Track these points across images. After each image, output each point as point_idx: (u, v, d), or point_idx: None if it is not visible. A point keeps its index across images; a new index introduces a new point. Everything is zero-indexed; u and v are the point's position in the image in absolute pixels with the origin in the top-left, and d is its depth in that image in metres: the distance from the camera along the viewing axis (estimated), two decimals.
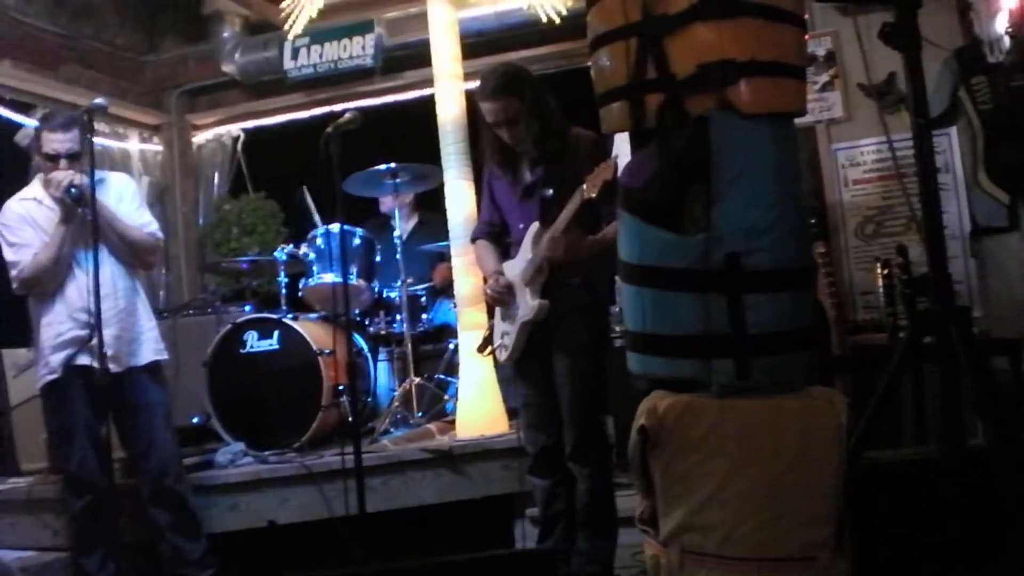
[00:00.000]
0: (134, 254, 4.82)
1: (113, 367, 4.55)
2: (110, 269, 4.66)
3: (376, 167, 6.08)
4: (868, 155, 5.82)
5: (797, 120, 3.12)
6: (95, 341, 4.35)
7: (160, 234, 4.99)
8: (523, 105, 4.08)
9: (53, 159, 4.54)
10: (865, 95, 5.73)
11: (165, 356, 4.97)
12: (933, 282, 3.13)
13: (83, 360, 4.56)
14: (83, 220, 4.55)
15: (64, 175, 4.50)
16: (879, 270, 4.93)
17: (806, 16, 3.13)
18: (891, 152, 5.70)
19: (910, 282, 4.62)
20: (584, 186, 3.80)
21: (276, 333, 5.77)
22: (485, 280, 4.44)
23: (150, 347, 4.85)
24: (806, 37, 3.18)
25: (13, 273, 4.57)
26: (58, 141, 4.54)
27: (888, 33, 3.21)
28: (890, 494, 3.18)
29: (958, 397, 3.13)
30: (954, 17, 5.52)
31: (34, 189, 4.76)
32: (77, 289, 4.60)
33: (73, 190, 4.47)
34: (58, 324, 4.59)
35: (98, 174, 4.52)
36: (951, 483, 3.11)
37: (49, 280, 4.59)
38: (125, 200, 4.85)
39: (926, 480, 3.20)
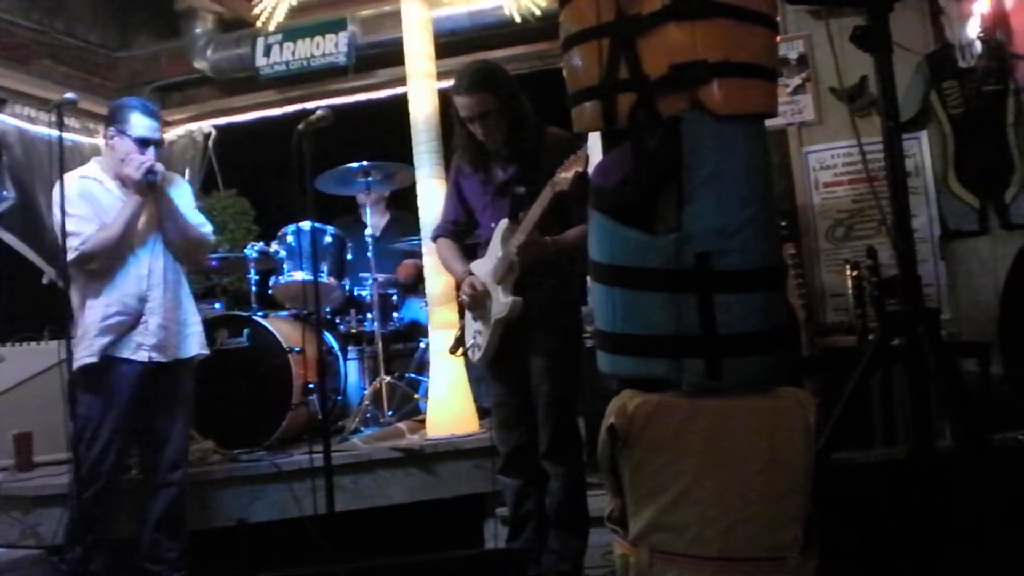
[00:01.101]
0: (188, 250, 4.86)
1: (157, 356, 4.65)
2: (161, 260, 4.73)
3: (348, 165, 6.07)
4: (839, 158, 5.85)
5: (769, 122, 3.13)
6: (134, 332, 4.55)
7: (212, 236, 5.09)
8: (498, 102, 4.08)
9: (143, 143, 4.61)
10: (837, 99, 5.75)
11: (207, 351, 4.99)
12: (902, 284, 3.15)
13: (123, 353, 4.58)
14: (151, 209, 4.68)
15: (146, 158, 4.58)
16: (849, 272, 4.95)
17: (778, 18, 3.14)
18: (862, 155, 5.72)
19: (880, 284, 4.65)
20: (555, 179, 3.80)
21: (246, 331, 5.76)
22: (458, 284, 4.43)
23: (195, 340, 4.87)
24: (778, 39, 3.19)
25: (74, 243, 4.51)
26: (149, 128, 4.66)
27: (860, 36, 3.24)
28: (859, 494, 3.20)
29: (927, 399, 3.16)
30: (926, 21, 5.56)
31: (92, 169, 4.77)
32: (128, 275, 4.62)
33: (151, 175, 4.55)
34: (104, 307, 4.56)
35: (159, 173, 4.63)
36: (919, 484, 3.13)
37: (107, 257, 4.57)
38: (184, 199, 4.91)
39: (894, 481, 3.22)
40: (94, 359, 4.54)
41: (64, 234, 4.47)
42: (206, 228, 4.97)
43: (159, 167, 4.62)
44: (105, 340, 4.54)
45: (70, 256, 4.52)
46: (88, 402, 4.54)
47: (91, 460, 4.57)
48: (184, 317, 4.83)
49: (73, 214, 4.53)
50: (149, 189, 4.59)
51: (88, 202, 4.58)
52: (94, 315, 4.58)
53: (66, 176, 4.57)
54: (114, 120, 4.68)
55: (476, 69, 4.17)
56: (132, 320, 4.61)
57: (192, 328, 4.86)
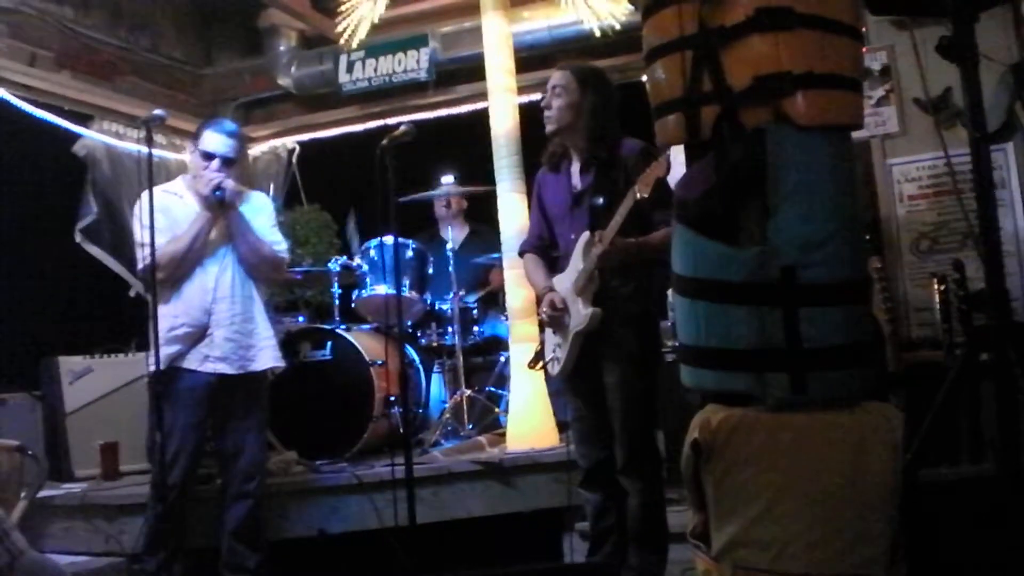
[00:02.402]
0: (259, 267, 4.92)
1: (226, 368, 4.73)
2: (232, 275, 4.81)
3: (432, 192, 6.16)
4: (923, 170, 5.76)
5: (852, 134, 3.10)
6: (201, 344, 4.64)
7: (286, 255, 5.12)
8: (581, 96, 4.13)
9: (209, 157, 4.70)
10: (920, 110, 5.68)
11: (282, 364, 5.06)
12: (990, 298, 3.09)
13: (189, 364, 4.67)
14: (222, 225, 4.77)
15: (214, 174, 4.68)
16: (935, 285, 4.87)
17: (863, 29, 3.11)
18: (949, 167, 5.64)
19: (966, 298, 4.56)
20: (636, 186, 3.80)
21: (329, 344, 5.82)
22: (538, 297, 4.44)
23: (268, 354, 4.92)
24: (863, 50, 3.16)
25: (143, 253, 4.62)
26: (217, 143, 4.74)
27: (945, 46, 3.19)
28: (946, 512, 3.15)
29: (1015, 415, 3.09)
30: (1010, 32, 5.46)
31: (176, 185, 4.90)
32: (198, 288, 4.72)
33: (218, 192, 4.64)
34: (172, 318, 4.65)
35: (227, 190, 4.70)
36: (1008, 501, 3.07)
37: (175, 269, 4.66)
38: (262, 216, 4.99)
39: (982, 498, 3.16)
40: (161, 367, 4.63)
41: (139, 245, 4.60)
42: (280, 247, 5.02)
43: (229, 184, 4.69)
44: (171, 350, 4.62)
45: (138, 266, 4.66)
46: (156, 410, 4.63)
47: (163, 469, 4.66)
48: (255, 331, 4.88)
49: (150, 226, 4.63)
50: (219, 205, 4.68)
51: (165, 215, 4.66)
52: (162, 325, 4.65)
53: (150, 190, 4.67)
54: (195, 137, 4.79)
55: (585, 62, 4.40)
56: (198, 332, 4.70)
57: (264, 342, 4.91)
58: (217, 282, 4.75)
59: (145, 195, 4.64)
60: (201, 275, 4.74)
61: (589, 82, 4.18)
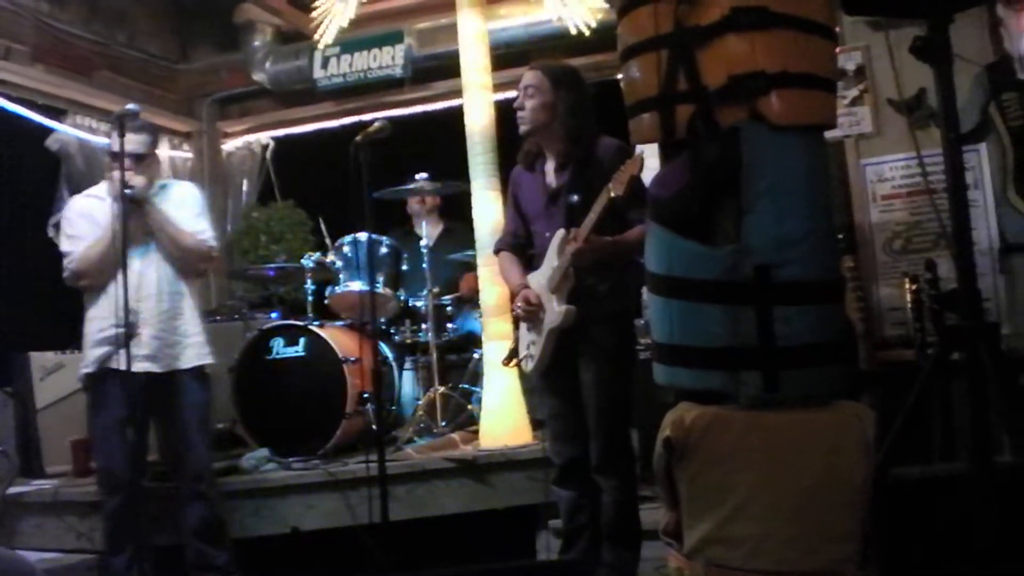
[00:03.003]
0: (184, 259, 4.85)
1: (153, 367, 4.67)
2: (158, 272, 4.76)
3: (406, 186, 6.14)
4: (897, 171, 5.79)
5: (826, 134, 3.12)
6: (131, 342, 4.47)
7: (213, 243, 5.01)
8: (555, 96, 4.14)
9: (117, 157, 4.60)
10: (895, 110, 5.70)
11: (210, 360, 4.99)
12: (962, 298, 3.11)
13: (119, 365, 4.57)
14: (138, 221, 4.66)
15: (118, 172, 4.58)
16: (908, 285, 4.90)
17: (837, 29, 3.13)
18: (922, 168, 5.66)
19: (939, 298, 4.59)
20: (611, 184, 3.80)
21: (302, 340, 5.79)
22: (512, 294, 4.44)
23: (194, 351, 4.87)
24: (836, 50, 3.18)
25: (65, 262, 4.66)
26: (127, 141, 4.61)
27: (920, 47, 3.20)
28: (917, 510, 3.16)
29: (987, 414, 3.11)
30: (984, 33, 5.48)
31: (100, 188, 4.86)
32: (119, 288, 4.61)
33: (128, 190, 4.54)
34: (100, 320, 4.64)
35: (162, 180, 4.70)
36: (979, 500, 3.08)
37: (96, 274, 4.64)
38: (186, 207, 4.92)
39: (954, 496, 3.17)
40: (90, 369, 4.65)
41: (63, 254, 4.65)
42: (204, 235, 4.92)
43: (137, 181, 4.61)
44: (100, 352, 4.62)
45: (64, 274, 4.65)
46: (92, 411, 4.63)
47: (101, 468, 4.65)
48: (183, 327, 4.84)
49: (70, 234, 4.68)
50: (132, 203, 4.58)
51: (88, 221, 4.66)
52: (91, 328, 4.68)
53: (76, 196, 4.69)
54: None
55: (560, 62, 4.40)
56: (122, 331, 4.56)
57: (192, 338, 4.87)
58: (141, 279, 4.69)
59: (72, 201, 4.73)
60: (130, 275, 4.59)
61: (562, 82, 4.17)
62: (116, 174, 4.56)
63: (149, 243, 4.75)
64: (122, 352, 4.53)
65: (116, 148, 4.55)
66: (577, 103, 4.15)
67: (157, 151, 4.83)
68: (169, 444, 4.86)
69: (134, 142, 4.64)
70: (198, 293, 5.09)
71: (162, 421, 4.82)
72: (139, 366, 4.61)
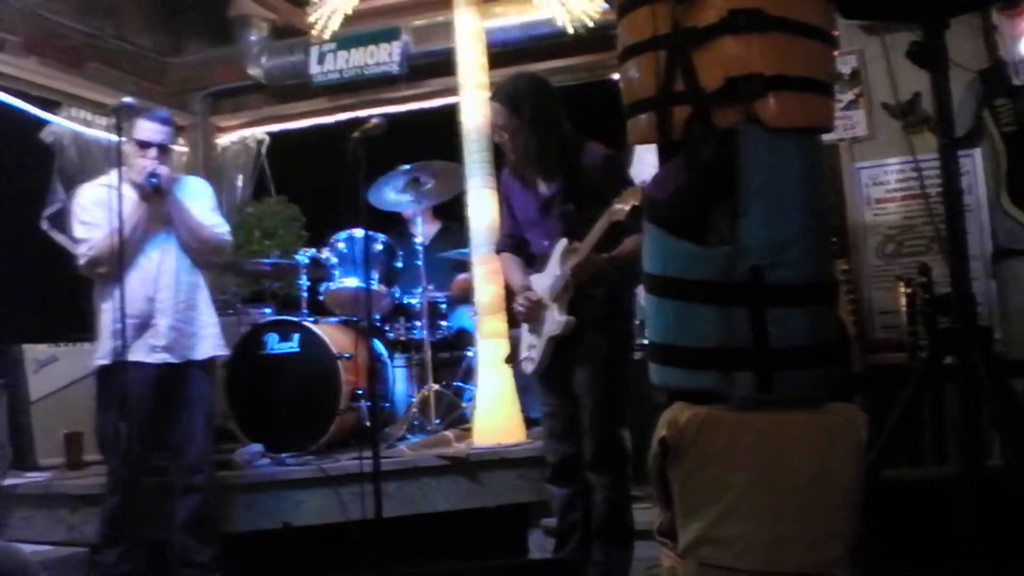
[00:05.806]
0: (201, 251, 4.90)
1: (169, 358, 4.72)
2: (175, 262, 4.80)
3: (397, 170, 6.10)
4: (891, 174, 5.81)
5: (821, 137, 3.13)
6: (146, 334, 4.59)
7: (229, 236, 5.10)
8: (519, 120, 4.14)
9: (145, 146, 4.65)
10: (889, 114, 5.72)
11: (224, 352, 5.06)
12: (955, 302, 3.12)
13: (135, 356, 4.59)
14: (158, 211, 4.71)
15: (149, 162, 4.64)
16: (901, 288, 4.91)
17: (835, 33, 3.14)
18: (917, 172, 5.69)
19: (932, 301, 4.60)
20: (612, 208, 3.81)
21: (296, 336, 5.80)
22: (510, 292, 4.46)
23: (209, 342, 4.92)
24: (834, 54, 3.19)
25: (82, 249, 4.65)
26: (153, 131, 4.70)
27: (915, 52, 3.22)
28: (908, 513, 3.18)
29: (978, 417, 3.13)
30: (979, 39, 5.51)
31: (110, 177, 4.81)
32: (140, 278, 4.68)
33: (154, 179, 4.60)
34: (115, 310, 4.59)
35: (161, 177, 4.66)
36: (970, 503, 3.10)
37: (115, 262, 4.61)
38: (200, 201, 4.97)
39: (944, 499, 3.19)
40: (106, 361, 4.62)
41: (78, 241, 4.64)
42: (221, 229, 5.00)
43: (163, 171, 4.66)
44: (117, 343, 4.58)
45: (79, 262, 4.64)
46: (102, 408, 4.61)
47: (113, 464, 4.64)
48: (199, 318, 4.88)
49: (85, 220, 4.65)
50: (154, 193, 4.64)
51: (103, 209, 4.63)
52: (106, 319, 4.66)
53: (85, 184, 4.70)
54: (125, 127, 4.71)
55: (509, 81, 4.29)
56: (142, 322, 4.66)
57: (207, 330, 4.91)
58: (159, 270, 4.74)
59: (83, 188, 4.70)
60: (143, 264, 4.71)
61: (519, 103, 4.15)
62: (140, 162, 4.62)
63: (167, 233, 4.78)
64: (139, 343, 4.61)
65: (143, 136, 4.62)
66: (541, 115, 4.15)
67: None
68: (171, 435, 4.84)
69: (161, 133, 4.72)
70: (211, 285, 5.12)
71: (169, 413, 4.81)
72: (156, 357, 4.67)
